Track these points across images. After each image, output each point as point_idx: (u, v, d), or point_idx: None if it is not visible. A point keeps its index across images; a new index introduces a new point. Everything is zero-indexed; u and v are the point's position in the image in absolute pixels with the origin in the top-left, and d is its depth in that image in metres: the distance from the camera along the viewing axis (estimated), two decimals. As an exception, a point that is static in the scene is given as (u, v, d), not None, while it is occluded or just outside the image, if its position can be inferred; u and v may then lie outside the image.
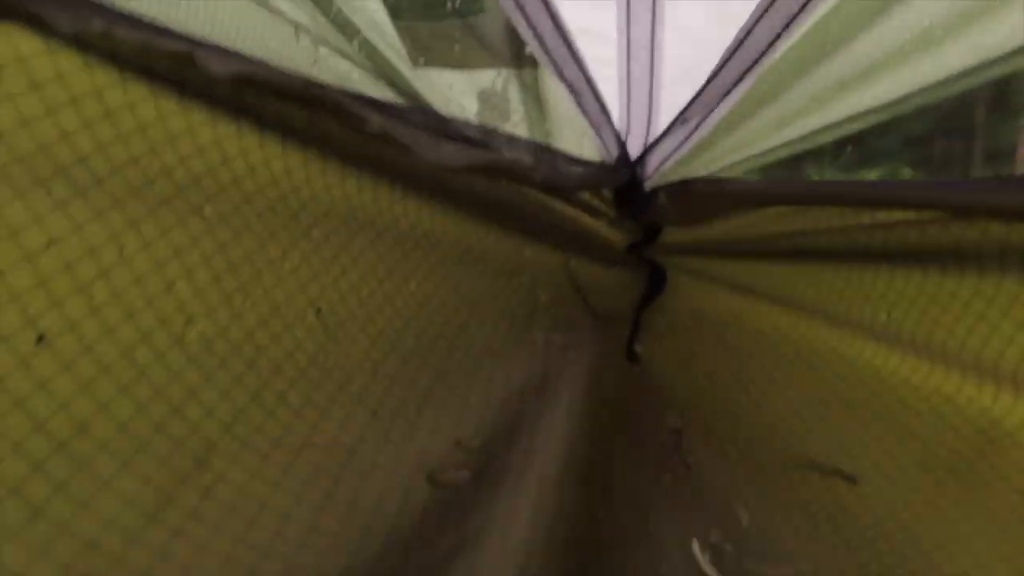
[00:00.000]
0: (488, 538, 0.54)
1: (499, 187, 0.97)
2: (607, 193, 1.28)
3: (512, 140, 0.98)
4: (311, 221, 0.71)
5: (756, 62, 0.96)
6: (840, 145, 1.13)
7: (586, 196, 1.21)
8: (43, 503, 0.46)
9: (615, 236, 1.33)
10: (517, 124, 1.02)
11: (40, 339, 0.48)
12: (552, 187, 1.05)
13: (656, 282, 1.43)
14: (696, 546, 0.78)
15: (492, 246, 0.99)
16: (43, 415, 0.47)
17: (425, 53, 0.98)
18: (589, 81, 1.07)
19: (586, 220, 1.23)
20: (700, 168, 1.20)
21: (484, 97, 0.98)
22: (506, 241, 1.02)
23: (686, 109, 1.08)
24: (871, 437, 0.89)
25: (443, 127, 0.83)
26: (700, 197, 1.14)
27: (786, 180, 0.96)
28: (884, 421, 0.90)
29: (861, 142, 1.12)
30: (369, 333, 0.75)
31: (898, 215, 0.85)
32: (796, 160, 1.18)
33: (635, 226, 1.39)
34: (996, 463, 0.79)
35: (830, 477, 0.87)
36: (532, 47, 1.05)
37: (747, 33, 0.97)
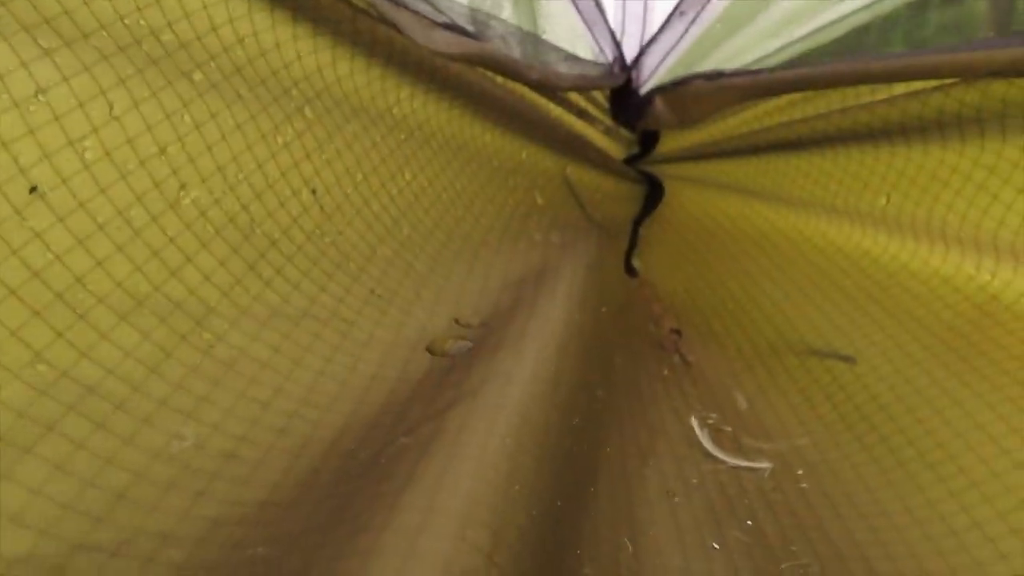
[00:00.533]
0: (486, 389, 0.54)
1: (494, 84, 0.95)
2: (603, 100, 1.26)
3: (506, 34, 0.96)
4: (303, 99, 0.69)
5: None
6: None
7: (581, 101, 1.20)
8: (44, 347, 0.46)
9: (612, 147, 1.32)
10: (510, 19, 1.00)
11: (32, 189, 0.47)
12: (546, 86, 1.03)
13: (653, 195, 1.43)
14: (695, 422, 0.79)
15: (488, 144, 0.98)
16: (39, 265, 0.47)
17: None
18: (583, -24, 1.05)
19: (582, 127, 1.21)
20: (696, 66, 1.19)
21: (476, -10, 0.96)
22: (503, 141, 1.01)
23: (682, 1, 1.06)
24: (869, 322, 0.89)
25: (437, 14, 0.81)
26: (698, 95, 1.13)
27: (785, 67, 0.94)
28: (882, 305, 0.90)
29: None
30: (365, 217, 0.74)
31: (899, 88, 0.84)
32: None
33: (631, 137, 1.38)
34: (994, 334, 0.79)
35: (828, 360, 0.88)
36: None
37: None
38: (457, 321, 0.71)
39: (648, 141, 1.39)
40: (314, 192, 0.69)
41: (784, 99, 1.04)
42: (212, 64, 0.61)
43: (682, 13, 1.08)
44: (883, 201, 0.90)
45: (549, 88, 1.06)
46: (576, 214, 1.15)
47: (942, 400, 0.76)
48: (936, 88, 0.77)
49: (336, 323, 0.63)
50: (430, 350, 0.65)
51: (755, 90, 1.03)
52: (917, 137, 0.83)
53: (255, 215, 0.62)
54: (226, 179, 0.61)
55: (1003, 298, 0.81)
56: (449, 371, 0.61)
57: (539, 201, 1.07)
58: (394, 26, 0.73)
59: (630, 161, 1.40)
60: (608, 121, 1.28)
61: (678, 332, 1.10)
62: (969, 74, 0.72)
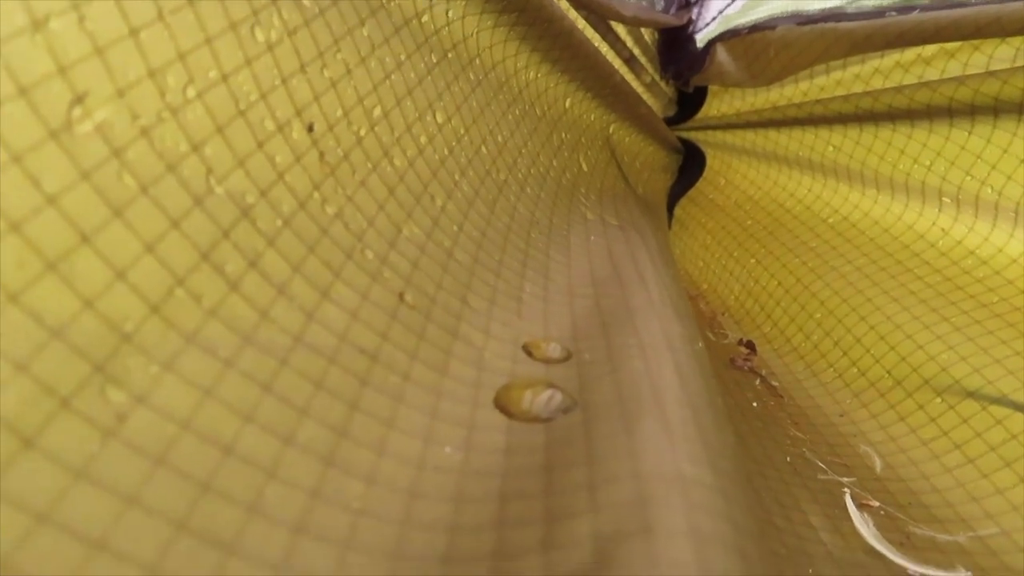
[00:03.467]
0: (656, 512, 0.29)
1: (545, 4, 0.68)
2: (651, 46, 1.00)
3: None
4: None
5: None
6: None
7: (630, 42, 0.93)
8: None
9: (655, 104, 1.06)
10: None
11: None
12: (605, 11, 0.77)
13: (690, 169, 1.18)
14: (849, 499, 0.55)
15: (532, 84, 0.72)
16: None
17: None
18: None
19: (630, 77, 0.95)
20: (773, 10, 0.94)
21: None
22: (547, 81, 0.75)
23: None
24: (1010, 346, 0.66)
25: None
26: (781, 46, 0.88)
27: (927, 6, 0.70)
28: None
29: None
30: (384, 175, 0.47)
31: None
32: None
33: (672, 95, 1.12)
34: None
35: (993, 407, 0.64)
36: None
37: None
38: (529, 352, 0.45)
39: (690, 104, 1.14)
40: (311, 129, 0.42)
41: (912, 54, 0.80)
42: None
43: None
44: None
45: (608, 15, 0.79)
46: (622, 186, 0.89)
47: None
48: None
49: (349, 358, 0.37)
50: (502, 407, 0.39)
51: (873, 40, 0.78)
52: None
53: (213, 162, 0.35)
54: (163, 95, 0.33)
55: None
56: (549, 451, 0.35)
57: (584, 167, 0.81)
58: None
59: (670, 123, 1.15)
60: (654, 73, 1.02)
61: (750, 345, 0.86)
62: None
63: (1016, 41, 0.69)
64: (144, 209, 0.32)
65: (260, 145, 0.38)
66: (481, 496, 0.32)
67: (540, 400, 0.39)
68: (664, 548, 0.27)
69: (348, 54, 0.46)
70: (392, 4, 0.51)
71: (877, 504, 0.57)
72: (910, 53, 0.79)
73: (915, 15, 0.72)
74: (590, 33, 0.84)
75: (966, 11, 0.68)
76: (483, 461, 0.34)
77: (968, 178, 0.75)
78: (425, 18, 0.55)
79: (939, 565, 0.50)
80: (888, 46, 0.77)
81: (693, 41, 1.01)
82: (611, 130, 0.92)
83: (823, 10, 0.87)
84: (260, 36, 0.39)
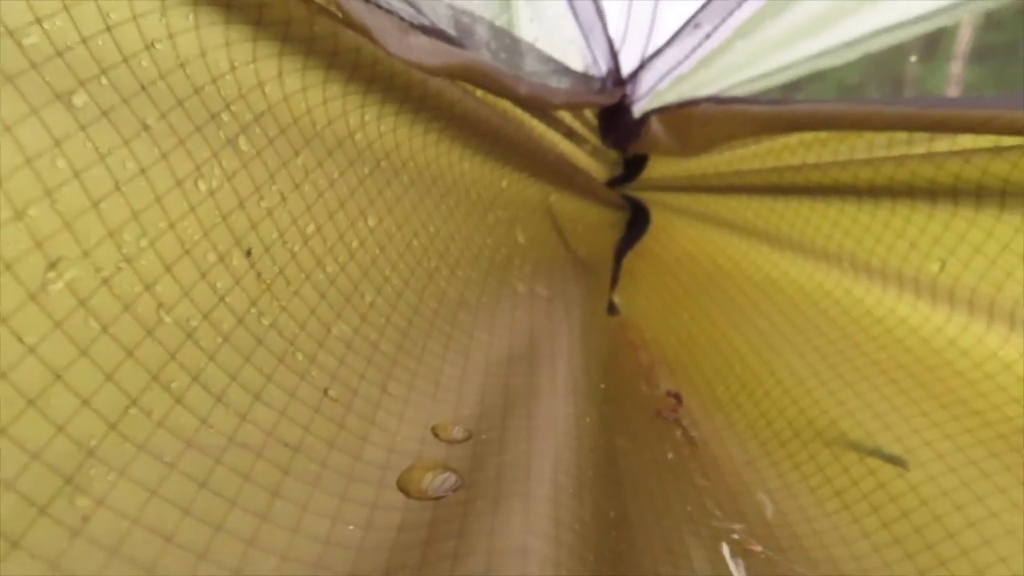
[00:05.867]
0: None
1: (476, 100, 0.78)
2: (591, 118, 1.09)
3: (492, 39, 0.79)
4: (238, 127, 0.51)
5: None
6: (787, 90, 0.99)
7: (568, 119, 1.03)
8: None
9: (596, 168, 1.16)
10: (497, 19, 0.82)
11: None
12: (535, 103, 0.86)
13: (638, 222, 1.27)
14: (726, 551, 0.63)
15: (467, 173, 0.81)
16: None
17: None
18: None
19: (567, 147, 1.05)
20: (702, 87, 1.03)
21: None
22: (483, 168, 0.84)
23: (700, 12, 0.90)
24: (916, 409, 0.75)
25: (413, 15, 0.63)
26: (705, 120, 0.97)
27: (826, 100, 0.79)
28: (929, 390, 0.76)
29: (797, 88, 0.99)
30: (317, 283, 0.56)
31: (967, 141, 0.70)
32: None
33: (617, 158, 1.21)
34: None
35: (870, 458, 0.73)
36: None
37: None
38: (436, 432, 0.53)
39: (635, 164, 1.23)
40: (249, 254, 0.51)
41: (812, 135, 0.89)
42: (102, 80, 0.42)
43: (697, 25, 0.92)
44: (935, 267, 0.76)
45: (539, 105, 0.89)
46: (561, 252, 0.98)
47: (1013, 517, 0.63)
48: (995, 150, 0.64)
49: (274, 451, 0.45)
50: (403, 488, 0.47)
51: (778, 122, 0.87)
52: (993, 199, 0.69)
53: (163, 296, 0.44)
54: (120, 249, 0.42)
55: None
56: (434, 532, 0.43)
57: (520, 240, 0.90)
58: (363, 31, 0.55)
59: (612, 184, 1.24)
60: (595, 141, 1.11)
61: (677, 397, 0.94)
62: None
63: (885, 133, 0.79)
64: (105, 345, 0.40)
65: (203, 275, 0.47)
66: (370, 570, 0.40)
67: (436, 482, 0.48)
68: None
69: (283, 184, 0.55)
70: (326, 130, 0.60)
71: (760, 548, 0.66)
72: (808, 135, 0.88)
73: (805, 105, 0.81)
74: (527, 115, 0.93)
75: (849, 106, 0.78)
76: (379, 538, 0.43)
77: (858, 247, 0.84)
78: (358, 135, 0.64)
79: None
80: (787, 129, 0.87)
81: (630, 112, 1.10)
82: (551, 199, 1.01)
83: (754, 95, 0.97)
84: (203, 186, 0.48)
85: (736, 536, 0.67)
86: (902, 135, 0.78)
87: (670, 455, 0.81)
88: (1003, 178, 0.66)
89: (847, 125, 0.79)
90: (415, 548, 0.42)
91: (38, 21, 0.38)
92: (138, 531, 0.37)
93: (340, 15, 0.54)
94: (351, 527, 0.43)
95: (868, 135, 0.81)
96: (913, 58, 1.05)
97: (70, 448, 0.37)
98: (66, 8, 0.40)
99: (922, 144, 0.76)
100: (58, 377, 0.38)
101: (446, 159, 0.77)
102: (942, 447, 0.70)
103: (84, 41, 0.41)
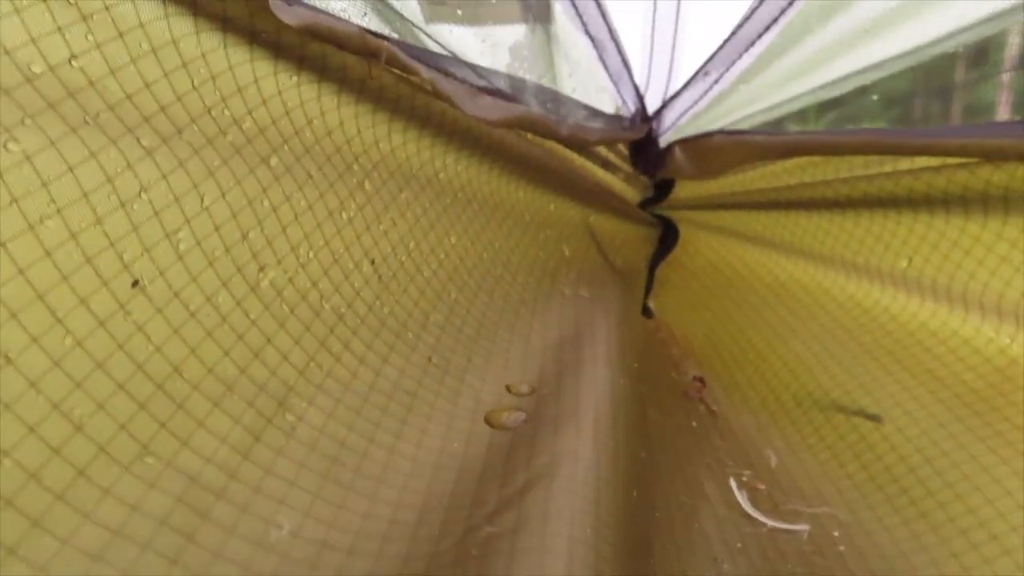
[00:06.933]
0: (559, 471, 0.56)
1: (528, 142, 0.98)
2: (624, 149, 1.29)
3: (540, 92, 0.99)
4: (363, 173, 0.72)
5: (783, 11, 0.97)
6: (825, 107, 1.16)
7: (603, 151, 1.23)
8: (149, 439, 0.48)
9: (630, 192, 1.35)
10: (542, 77, 1.03)
11: (135, 284, 0.49)
12: (575, 141, 1.06)
13: (669, 237, 1.46)
14: (734, 483, 0.81)
15: (521, 200, 1.01)
16: (142, 357, 0.49)
17: (439, 9, 0.99)
18: (613, 35, 1.08)
19: (603, 175, 1.24)
20: (715, 121, 1.22)
21: (514, 51, 0.99)
22: (533, 196, 1.04)
23: (707, 63, 1.09)
24: (892, 381, 0.92)
25: (481, 79, 0.84)
26: (718, 149, 1.16)
27: (810, 131, 0.98)
28: (903, 363, 0.93)
29: (840, 103, 1.14)
30: (418, 283, 0.77)
31: (922, 162, 0.88)
32: (783, 119, 1.20)
33: (648, 182, 1.41)
34: (1015, 398, 0.82)
35: (854, 418, 0.91)
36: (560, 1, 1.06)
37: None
38: (509, 389, 0.73)
39: (664, 187, 1.42)
40: (373, 263, 0.71)
41: (805, 159, 1.08)
42: (286, 147, 0.63)
43: (706, 73, 1.11)
44: (904, 264, 0.94)
45: (578, 143, 1.09)
46: (600, 263, 1.18)
47: (969, 464, 0.80)
48: (961, 166, 0.81)
49: (400, 396, 0.66)
50: (488, 421, 0.67)
51: (775, 150, 1.06)
52: (940, 207, 0.87)
53: (324, 291, 0.65)
54: (298, 258, 0.63)
55: (1023, 362, 0.85)
56: (513, 447, 0.63)
57: (566, 253, 1.10)
58: (447, 99, 0.76)
59: (645, 204, 1.44)
60: (628, 168, 1.31)
61: (701, 380, 1.13)
62: (998, 157, 0.75)
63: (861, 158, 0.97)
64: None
65: (346, 277, 0.68)
66: (470, 472, 0.60)
67: (512, 418, 0.68)
68: (559, 487, 0.55)
69: (394, 212, 0.75)
70: (419, 171, 0.81)
71: (763, 487, 0.84)
72: (803, 159, 1.07)
73: (795, 135, 1.00)
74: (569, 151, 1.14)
75: (829, 136, 0.96)
76: (474, 452, 0.63)
77: (846, 250, 1.02)
78: (442, 174, 0.85)
79: (789, 522, 0.77)
80: (784, 155, 1.05)
81: (657, 144, 1.30)
82: (591, 219, 1.21)
83: (757, 128, 1.16)
84: (344, 215, 0.69)
85: (744, 478, 0.85)
86: (873, 157, 0.96)
87: (694, 423, 0.99)
88: (942, 189, 0.84)
89: (828, 151, 0.97)
90: (501, 458, 0.62)
91: (249, 113, 0.60)
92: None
93: (430, 89, 0.75)
94: (455, 444, 0.63)
95: (848, 158, 0.99)
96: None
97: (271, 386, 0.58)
98: (264, 102, 0.61)
99: (888, 164, 0.94)
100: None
101: (506, 189, 0.97)
102: (910, 407, 0.88)
103: (274, 122, 0.62)
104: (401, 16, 0.91)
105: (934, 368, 0.91)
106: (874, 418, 0.89)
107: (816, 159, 1.05)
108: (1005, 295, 0.83)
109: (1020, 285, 0.82)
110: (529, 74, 0.99)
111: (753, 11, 1.00)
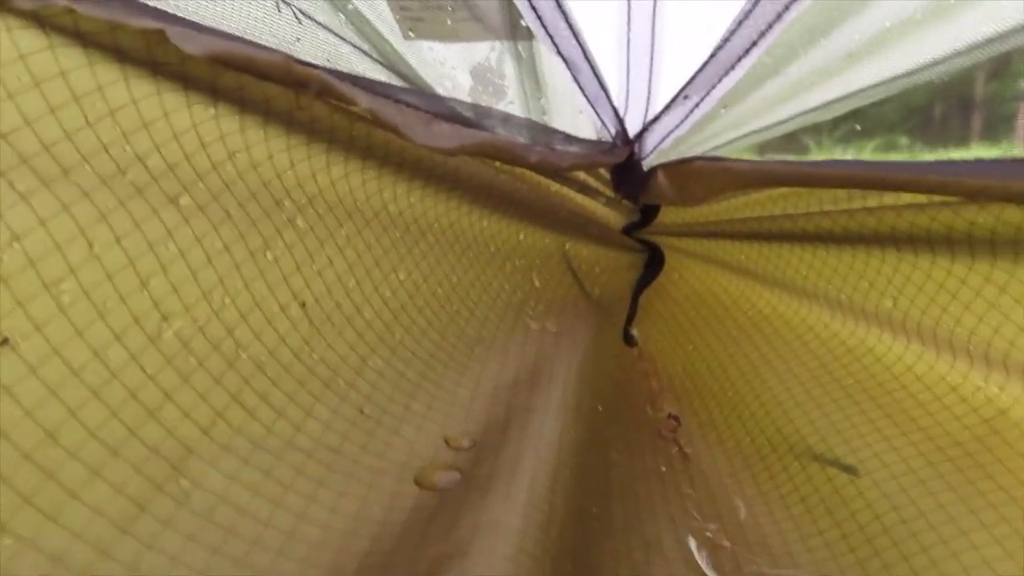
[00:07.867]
0: (478, 545, 0.51)
1: (493, 170, 0.93)
2: (604, 172, 1.24)
3: (507, 119, 0.95)
4: (295, 209, 0.67)
5: (763, 34, 0.92)
6: (840, 118, 1.10)
7: (582, 175, 1.18)
8: (7, 518, 0.43)
9: (612, 217, 1.30)
10: (512, 101, 0.98)
11: (4, 342, 0.45)
12: (547, 168, 1.01)
13: (654, 263, 1.40)
14: (692, 543, 0.76)
15: (486, 230, 0.96)
16: (7, 424, 0.45)
17: (416, 25, 0.94)
18: (587, 56, 1.03)
19: (582, 200, 1.20)
20: (699, 146, 1.17)
21: (477, 73, 0.94)
22: (500, 225, 0.99)
23: (687, 86, 1.04)
24: (871, 426, 0.87)
25: (435, 106, 0.79)
26: (700, 175, 1.11)
27: (792, 161, 0.93)
28: (885, 409, 0.88)
29: (859, 113, 1.09)
30: (356, 326, 0.72)
31: (907, 198, 0.82)
32: (792, 134, 1.14)
33: (632, 206, 1.36)
34: (1002, 455, 0.77)
35: (830, 468, 0.85)
36: (528, 19, 1.01)
37: (754, 3, 0.93)
38: (447, 442, 0.68)
39: (649, 211, 1.37)
40: (303, 305, 0.67)
41: (788, 189, 1.03)
42: (200, 185, 0.59)
43: (686, 96, 1.06)
44: (889, 303, 0.88)
45: (550, 170, 1.04)
46: (575, 293, 1.13)
47: (947, 527, 0.74)
48: (944, 204, 0.76)
49: (320, 453, 0.61)
50: (418, 482, 0.62)
51: (756, 178, 1.01)
52: (924, 247, 0.81)
53: (241, 339, 0.60)
54: (211, 305, 0.58)
55: (1012, 414, 0.79)
56: (437, 513, 0.58)
57: (536, 284, 1.05)
58: (394, 129, 0.71)
59: (630, 229, 1.38)
60: (610, 193, 1.26)
61: (676, 419, 1.07)
62: (982, 197, 0.70)
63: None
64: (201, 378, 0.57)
65: (269, 322, 0.63)
66: (389, 538, 0.55)
67: (444, 478, 0.63)
68: (473, 564, 0.50)
69: (332, 248, 0.71)
70: (365, 205, 0.76)
71: (728, 544, 0.79)
72: (785, 189, 1.02)
73: (775, 164, 0.95)
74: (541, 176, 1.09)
75: (808, 167, 0.91)
76: (396, 517, 0.58)
77: (829, 285, 0.97)
78: (391, 207, 0.80)
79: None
80: (766, 184, 1.00)
81: (640, 167, 1.24)
82: (567, 247, 1.16)
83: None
84: (269, 255, 0.64)
85: (709, 534, 0.80)
86: (857, 191, 0.90)
87: (663, 468, 0.94)
88: (926, 228, 0.78)
89: (811, 182, 0.92)
90: (420, 527, 0.57)
91: (157, 149, 0.55)
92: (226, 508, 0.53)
93: (371, 118, 0.70)
94: (375, 508, 0.59)
95: (830, 191, 0.94)
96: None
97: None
98: (175, 136, 0.57)
99: (873, 199, 0.88)
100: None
101: (467, 220, 0.92)
102: (888, 458, 0.82)
103: (187, 158, 0.58)
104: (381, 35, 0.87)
105: (917, 416, 0.85)
106: (850, 470, 0.83)
107: (800, 190, 1.00)
108: (993, 343, 0.77)
109: (1009, 333, 0.76)
110: (495, 98, 0.94)
111: (731, 34, 0.94)
